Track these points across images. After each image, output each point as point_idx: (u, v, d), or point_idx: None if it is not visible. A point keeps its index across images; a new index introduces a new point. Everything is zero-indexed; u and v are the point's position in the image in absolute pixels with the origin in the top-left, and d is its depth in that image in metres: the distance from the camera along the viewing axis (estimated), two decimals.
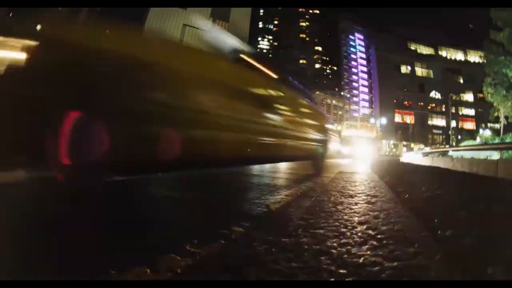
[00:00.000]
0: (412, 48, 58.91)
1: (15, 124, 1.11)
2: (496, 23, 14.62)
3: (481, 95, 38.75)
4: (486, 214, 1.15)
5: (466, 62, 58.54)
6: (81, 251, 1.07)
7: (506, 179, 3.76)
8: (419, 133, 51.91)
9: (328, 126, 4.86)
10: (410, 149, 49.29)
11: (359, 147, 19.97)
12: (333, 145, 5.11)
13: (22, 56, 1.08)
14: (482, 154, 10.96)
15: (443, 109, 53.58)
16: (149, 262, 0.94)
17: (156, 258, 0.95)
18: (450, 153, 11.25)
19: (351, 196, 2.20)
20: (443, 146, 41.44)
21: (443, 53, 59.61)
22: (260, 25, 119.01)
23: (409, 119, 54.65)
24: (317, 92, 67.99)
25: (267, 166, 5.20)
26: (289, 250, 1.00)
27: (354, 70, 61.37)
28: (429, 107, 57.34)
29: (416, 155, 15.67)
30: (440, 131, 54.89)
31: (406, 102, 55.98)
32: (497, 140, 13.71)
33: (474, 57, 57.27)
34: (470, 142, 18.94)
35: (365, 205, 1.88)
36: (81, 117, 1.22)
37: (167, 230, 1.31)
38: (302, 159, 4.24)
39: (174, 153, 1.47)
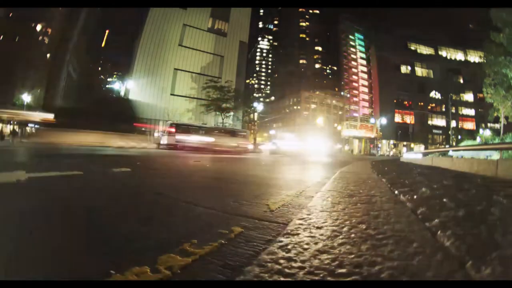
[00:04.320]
0: (412, 48, 58.85)
1: None
2: (496, 24, 14.59)
3: (481, 95, 38.68)
4: None
5: (466, 62, 58.48)
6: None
7: (506, 179, 3.76)
8: (419, 133, 51.84)
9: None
10: (410, 149, 49.26)
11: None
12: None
13: None
14: (482, 154, 10.96)
15: (443, 109, 53.55)
16: None
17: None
18: (450, 153, 11.24)
19: None
20: (443, 146, 41.42)
21: (443, 53, 59.56)
22: (260, 25, 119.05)
23: (409, 119, 54.59)
24: (317, 92, 67.99)
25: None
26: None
27: (354, 70, 61.33)
28: (429, 107, 57.25)
29: (416, 155, 15.66)
30: (440, 131, 54.85)
31: (406, 102, 55.92)
32: (497, 140, 13.69)
33: (474, 57, 57.21)
34: (470, 142, 18.94)
35: None
36: None
37: None
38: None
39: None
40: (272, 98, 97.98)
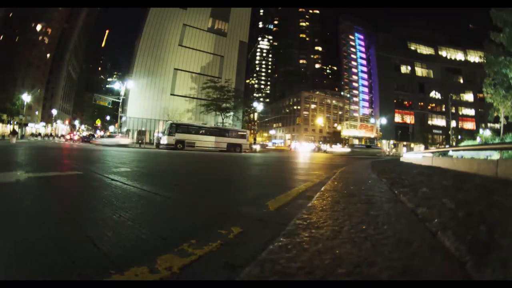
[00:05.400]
0: (412, 48, 58.83)
1: None
2: (496, 23, 14.56)
3: (481, 95, 38.68)
4: None
5: (466, 62, 58.46)
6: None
7: (506, 179, 3.75)
8: (419, 133, 51.84)
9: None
10: (410, 149, 49.26)
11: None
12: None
13: None
14: (482, 154, 10.93)
15: (443, 109, 53.55)
16: None
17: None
18: (450, 153, 11.23)
19: None
20: (443, 146, 41.39)
21: (443, 53, 59.54)
22: (260, 25, 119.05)
23: (409, 119, 54.57)
24: (317, 92, 68.01)
25: None
26: None
27: (354, 70, 61.28)
28: (429, 107, 57.24)
29: (416, 155, 15.67)
30: (440, 131, 54.85)
31: (406, 102, 55.91)
32: (497, 140, 13.68)
33: (474, 57, 57.20)
34: (470, 142, 18.91)
35: None
36: None
37: None
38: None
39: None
40: (272, 98, 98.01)
